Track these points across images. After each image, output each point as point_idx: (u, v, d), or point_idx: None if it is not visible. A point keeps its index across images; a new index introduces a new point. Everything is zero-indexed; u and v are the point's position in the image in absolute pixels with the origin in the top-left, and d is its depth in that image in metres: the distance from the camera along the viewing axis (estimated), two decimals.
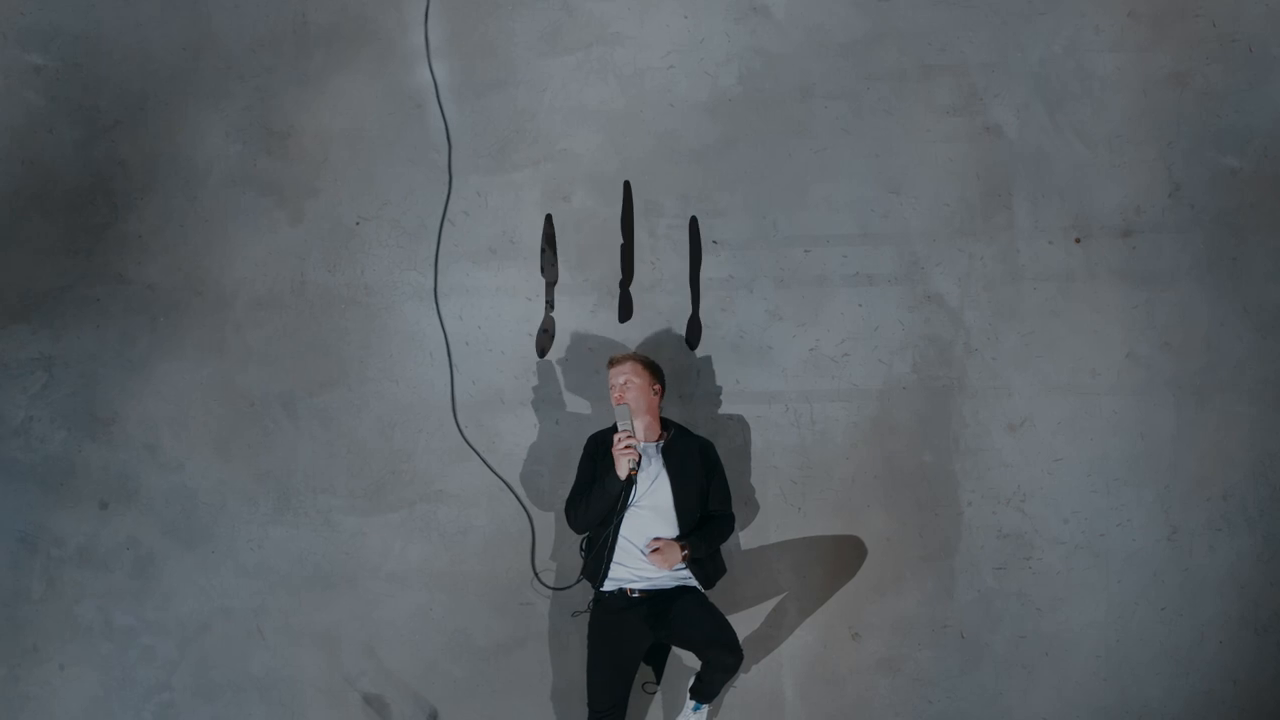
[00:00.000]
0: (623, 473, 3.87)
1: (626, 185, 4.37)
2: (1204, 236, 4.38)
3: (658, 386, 4.08)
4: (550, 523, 4.38)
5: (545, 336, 4.42)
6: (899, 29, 4.41)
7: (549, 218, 4.39)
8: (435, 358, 4.43)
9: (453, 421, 4.41)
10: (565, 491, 4.12)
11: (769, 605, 4.38)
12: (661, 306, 4.43)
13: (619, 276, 4.44)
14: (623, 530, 3.96)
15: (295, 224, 4.45)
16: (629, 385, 4.01)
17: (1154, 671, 4.35)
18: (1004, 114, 4.40)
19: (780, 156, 4.42)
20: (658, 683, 4.25)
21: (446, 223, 4.44)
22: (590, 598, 4.07)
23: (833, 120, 4.41)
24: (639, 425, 3.98)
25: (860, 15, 4.41)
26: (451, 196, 4.44)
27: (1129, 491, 4.36)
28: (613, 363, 4.10)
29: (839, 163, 4.41)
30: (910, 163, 4.40)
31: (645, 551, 3.94)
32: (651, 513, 3.97)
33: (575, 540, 4.22)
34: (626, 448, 3.86)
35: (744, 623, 4.29)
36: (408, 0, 4.44)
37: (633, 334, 4.42)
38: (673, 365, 4.34)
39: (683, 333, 4.41)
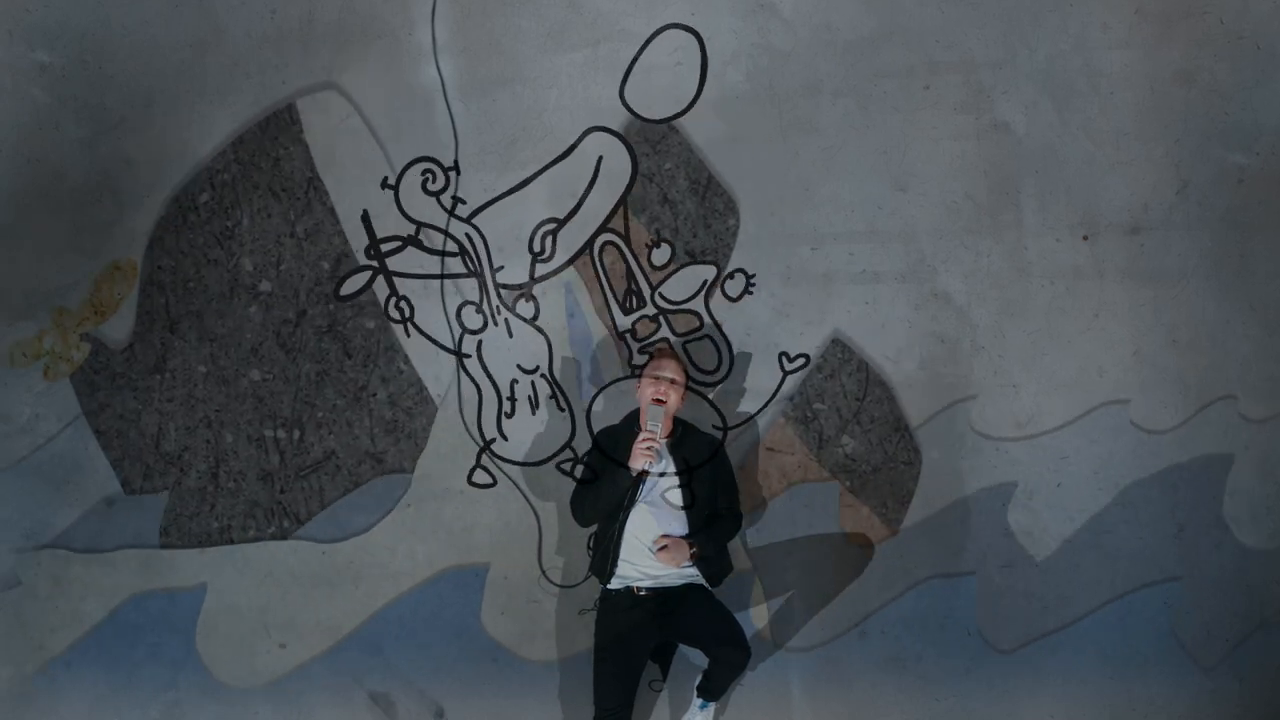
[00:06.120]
0: (637, 468, 3.87)
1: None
2: (1211, 234, 4.38)
3: (685, 392, 4.09)
4: (556, 520, 4.38)
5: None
6: (906, 26, 4.40)
7: None
8: (443, 354, 4.43)
9: (459, 418, 4.41)
10: (572, 489, 4.13)
11: (776, 603, 4.38)
12: (666, 329, 4.43)
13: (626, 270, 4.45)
14: (630, 528, 3.96)
15: (302, 221, 4.44)
16: (675, 386, 4.01)
17: (1160, 669, 4.36)
18: (1011, 111, 4.39)
19: (787, 154, 4.42)
20: (664, 681, 4.26)
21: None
22: (597, 595, 4.08)
23: (840, 117, 4.41)
24: (663, 425, 3.98)
25: (868, 13, 4.40)
26: (459, 193, 4.44)
27: (1135, 489, 4.37)
28: (664, 356, 4.10)
29: (846, 160, 4.41)
30: (917, 160, 4.40)
31: (653, 549, 3.94)
32: (660, 510, 3.97)
33: (582, 537, 4.23)
34: (649, 448, 3.86)
35: (751, 621, 4.29)
36: None
37: (640, 358, 4.42)
38: None
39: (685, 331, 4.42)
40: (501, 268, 4.41)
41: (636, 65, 4.41)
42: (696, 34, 4.38)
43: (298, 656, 4.41)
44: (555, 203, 4.41)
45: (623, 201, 4.39)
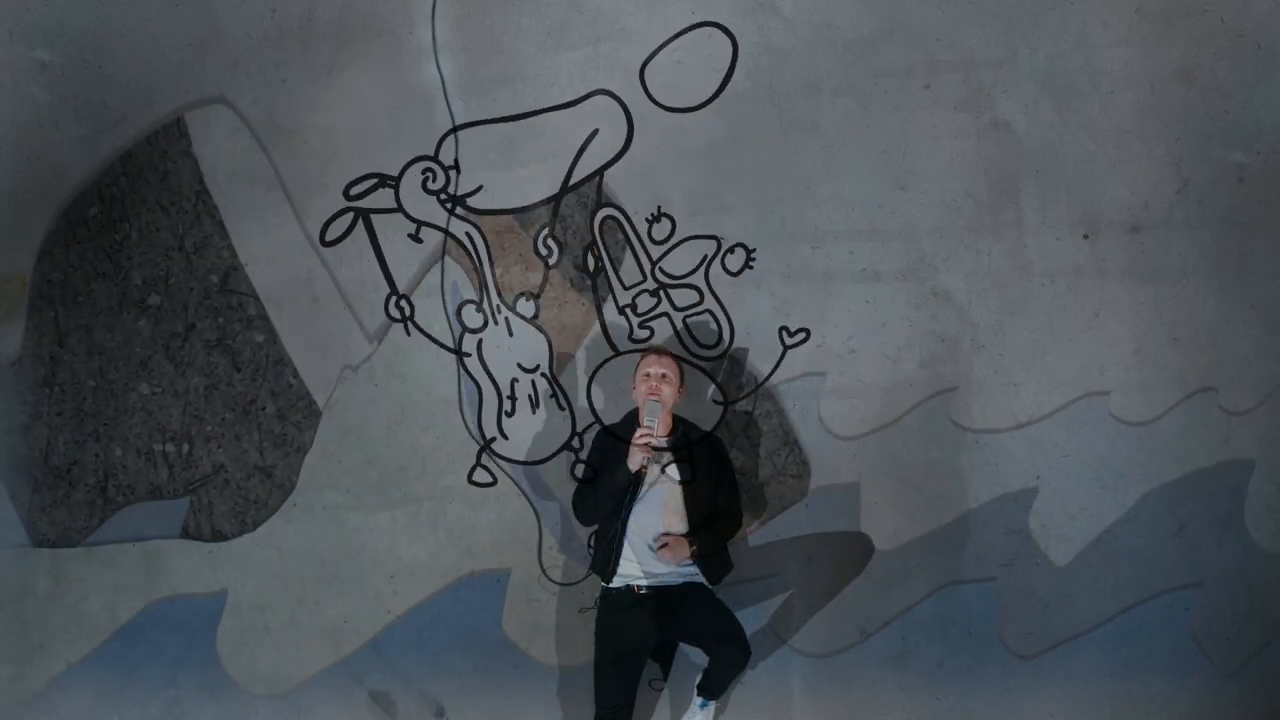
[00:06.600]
0: (635, 466, 3.87)
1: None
2: (1211, 232, 4.38)
3: (683, 388, 4.09)
4: (557, 519, 4.38)
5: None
6: (906, 25, 4.40)
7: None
8: (442, 353, 4.42)
9: (459, 417, 4.41)
10: (573, 487, 4.12)
11: (776, 602, 4.38)
12: (666, 304, 4.42)
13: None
14: (630, 526, 3.96)
15: (302, 220, 4.44)
16: (667, 381, 4.01)
17: (1161, 668, 4.36)
18: (1012, 110, 4.39)
19: (787, 153, 4.41)
20: (665, 679, 4.26)
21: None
22: (597, 594, 4.08)
23: (840, 116, 4.41)
24: (661, 422, 3.98)
25: (868, 11, 4.40)
26: (458, 191, 4.44)
27: (1136, 487, 4.37)
28: (654, 353, 4.10)
29: (846, 159, 4.40)
30: (918, 159, 4.39)
31: (654, 547, 3.94)
32: (660, 508, 3.97)
33: (582, 536, 4.22)
34: (647, 444, 3.86)
35: (751, 619, 4.28)
36: None
37: (640, 332, 4.42)
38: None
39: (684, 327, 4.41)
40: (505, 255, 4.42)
41: (637, 61, 4.40)
42: (731, 34, 4.37)
43: (298, 656, 4.41)
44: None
45: (599, 173, 4.38)
